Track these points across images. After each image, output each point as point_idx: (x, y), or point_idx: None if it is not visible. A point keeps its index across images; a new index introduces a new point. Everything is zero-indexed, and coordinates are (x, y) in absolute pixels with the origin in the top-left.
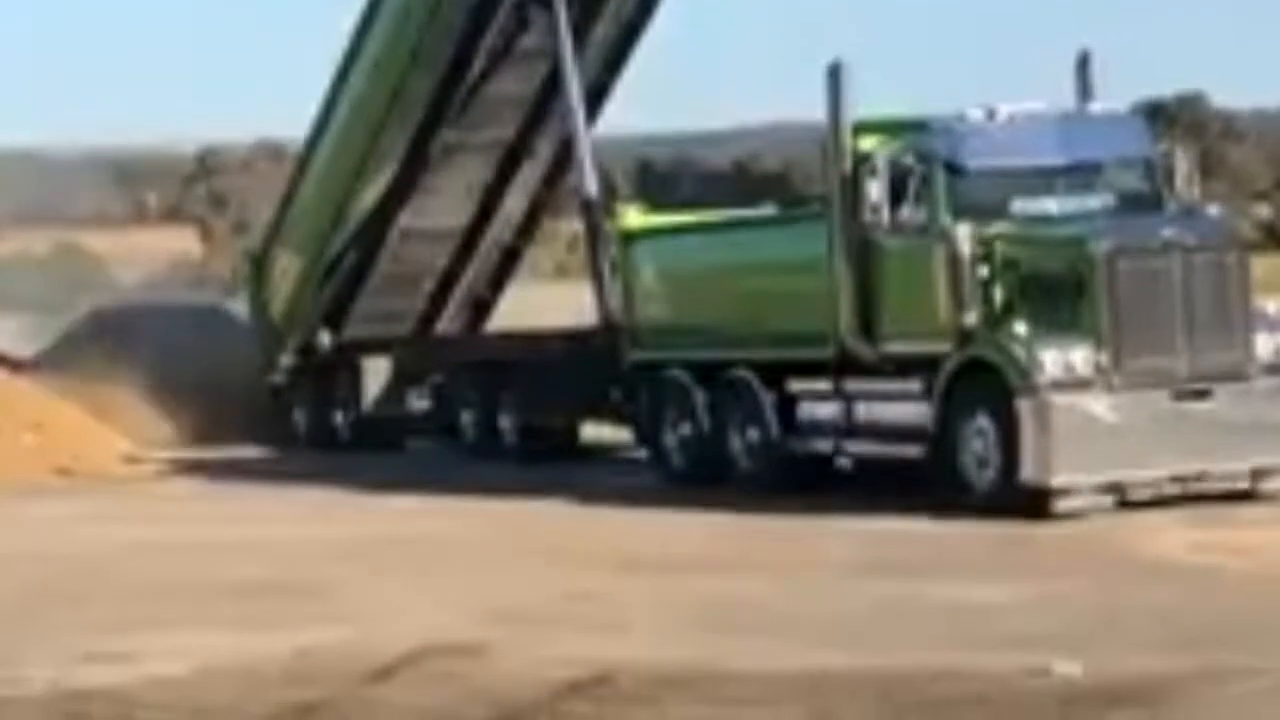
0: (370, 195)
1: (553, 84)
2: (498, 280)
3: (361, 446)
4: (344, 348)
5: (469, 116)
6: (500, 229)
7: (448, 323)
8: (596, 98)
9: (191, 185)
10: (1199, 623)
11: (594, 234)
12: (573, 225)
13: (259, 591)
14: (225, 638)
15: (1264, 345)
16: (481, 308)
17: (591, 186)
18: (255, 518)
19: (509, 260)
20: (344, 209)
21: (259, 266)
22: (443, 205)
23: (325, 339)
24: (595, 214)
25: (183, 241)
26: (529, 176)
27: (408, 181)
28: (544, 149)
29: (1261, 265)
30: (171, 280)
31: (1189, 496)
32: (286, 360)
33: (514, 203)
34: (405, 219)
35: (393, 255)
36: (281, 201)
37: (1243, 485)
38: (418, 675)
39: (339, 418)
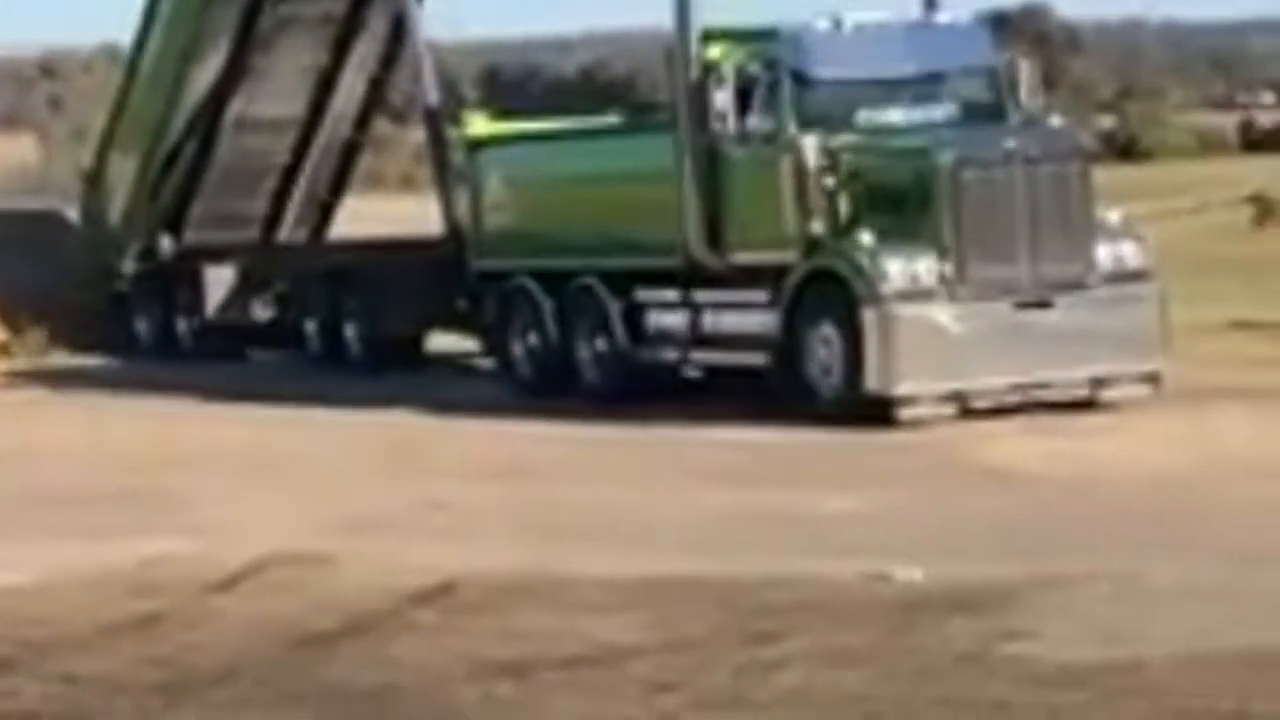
0: (202, 80)
1: None
2: (339, 179)
3: (204, 355)
4: (186, 254)
5: None
6: (338, 120)
7: (291, 228)
8: None
9: (30, 90)
10: (1039, 529)
11: (438, 143)
12: (418, 135)
13: (102, 501)
14: (68, 547)
15: (1105, 255)
16: (325, 212)
17: (433, 95)
18: (97, 426)
19: (349, 156)
20: (176, 98)
21: (96, 171)
22: (278, 89)
23: (166, 244)
24: (438, 122)
25: (20, 148)
26: (364, 55)
27: (239, 63)
28: (377, 24)
29: (1103, 176)
30: (8, 187)
31: (1030, 405)
32: (128, 266)
33: (351, 86)
34: (239, 106)
35: (230, 148)
36: (115, 103)
37: (1083, 394)
38: (263, 584)
39: (181, 326)
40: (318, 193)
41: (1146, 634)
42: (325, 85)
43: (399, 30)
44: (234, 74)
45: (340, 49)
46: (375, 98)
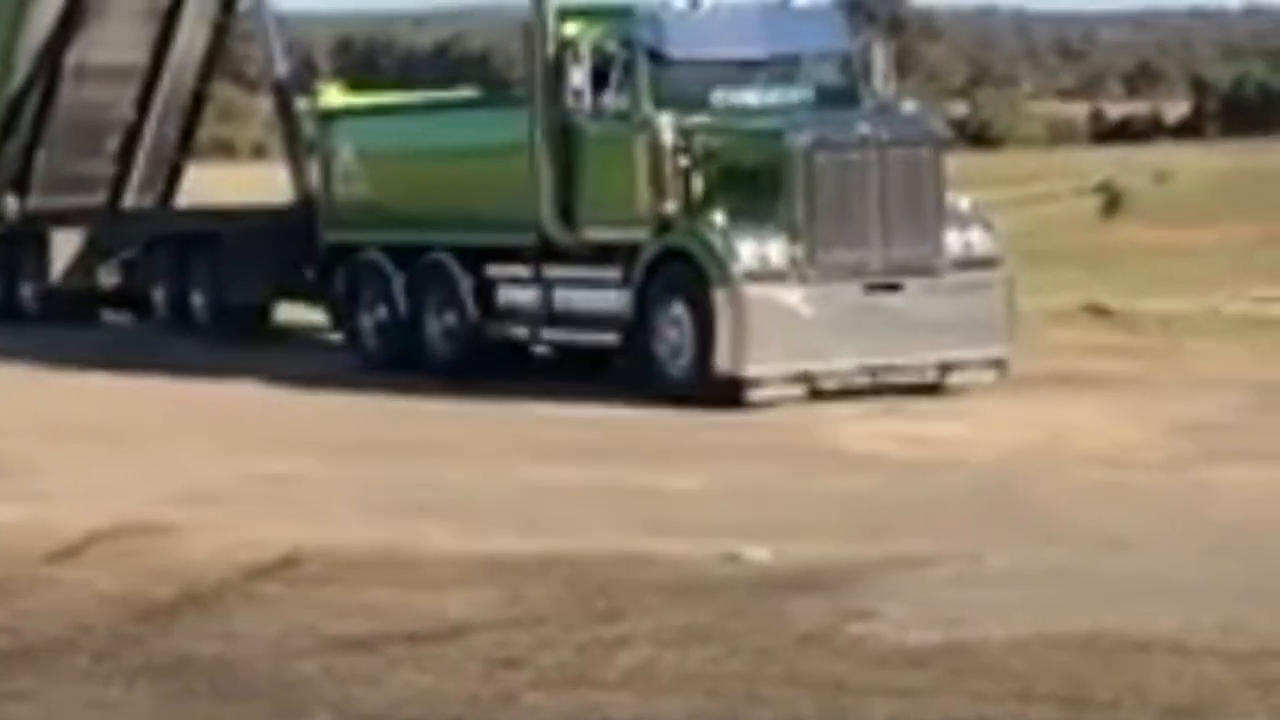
0: (42, 22)
1: None
2: (185, 137)
3: (49, 320)
4: (33, 218)
5: None
6: (180, 71)
7: (138, 191)
8: None
9: None
10: (885, 511)
11: (286, 113)
12: (270, 104)
13: None
14: None
15: (954, 241)
16: (173, 174)
17: (282, 68)
18: None
19: (194, 110)
20: (13, 44)
21: None
22: (117, 35)
23: (12, 205)
24: (287, 93)
25: None
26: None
27: (78, 2)
28: None
29: (955, 163)
30: None
31: (878, 388)
32: None
33: (192, 33)
34: (80, 53)
35: (71, 100)
36: None
37: (930, 378)
38: (103, 554)
39: (26, 291)
40: (164, 152)
41: (989, 616)
42: (165, 32)
43: None
44: (73, 14)
45: None
46: (217, 46)
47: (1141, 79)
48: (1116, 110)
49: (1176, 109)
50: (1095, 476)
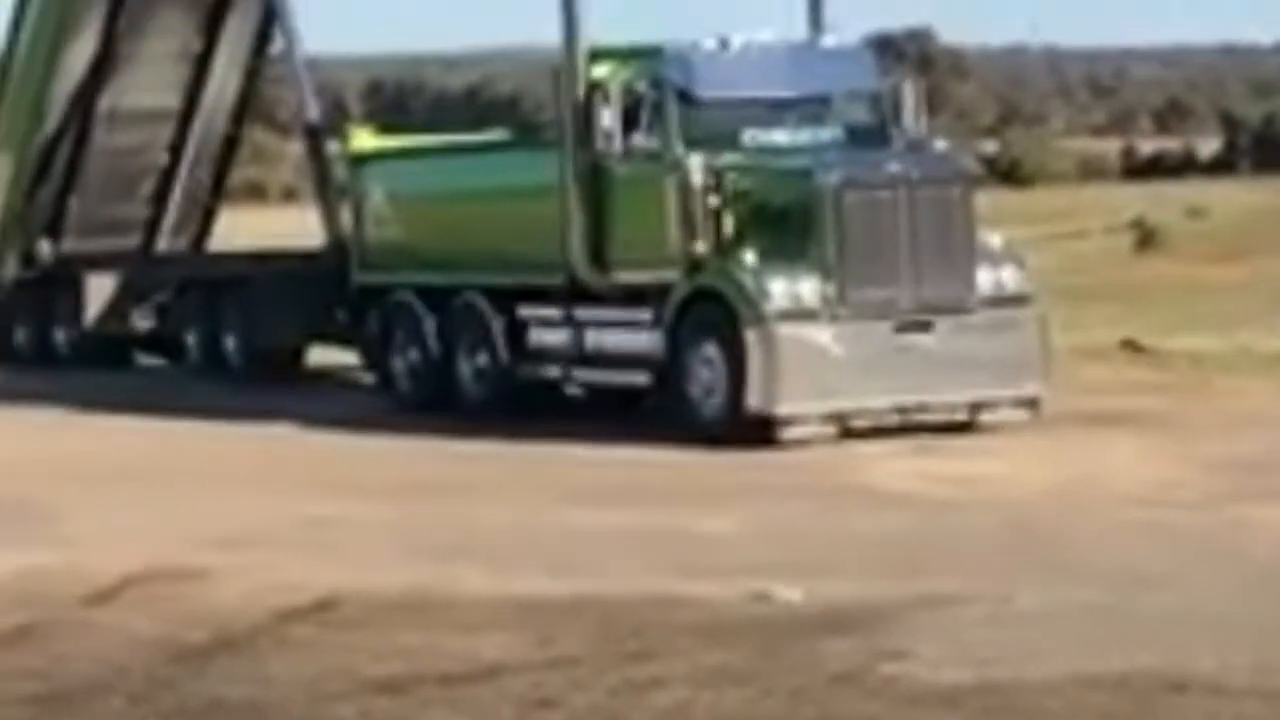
0: (75, 67)
1: None
2: (218, 180)
3: (82, 364)
4: (67, 262)
5: None
6: (213, 114)
7: (171, 234)
8: None
9: None
10: (917, 550)
11: (318, 158)
12: (301, 147)
13: None
14: None
15: (985, 279)
16: (206, 217)
17: (314, 112)
18: None
19: (227, 154)
20: (49, 86)
21: None
22: (150, 78)
23: (46, 249)
24: (318, 137)
25: None
26: (236, 41)
27: (110, 47)
28: (250, 4)
29: (986, 201)
30: None
31: (910, 427)
32: (7, 273)
33: (224, 77)
34: (113, 97)
35: (105, 144)
36: None
37: (961, 417)
38: (138, 598)
39: (60, 334)
40: (197, 195)
41: (1022, 655)
42: (198, 75)
43: (270, 15)
44: (105, 59)
45: (211, 32)
46: (249, 90)
47: (1172, 115)
48: (1148, 146)
49: (1208, 145)
50: (1129, 515)
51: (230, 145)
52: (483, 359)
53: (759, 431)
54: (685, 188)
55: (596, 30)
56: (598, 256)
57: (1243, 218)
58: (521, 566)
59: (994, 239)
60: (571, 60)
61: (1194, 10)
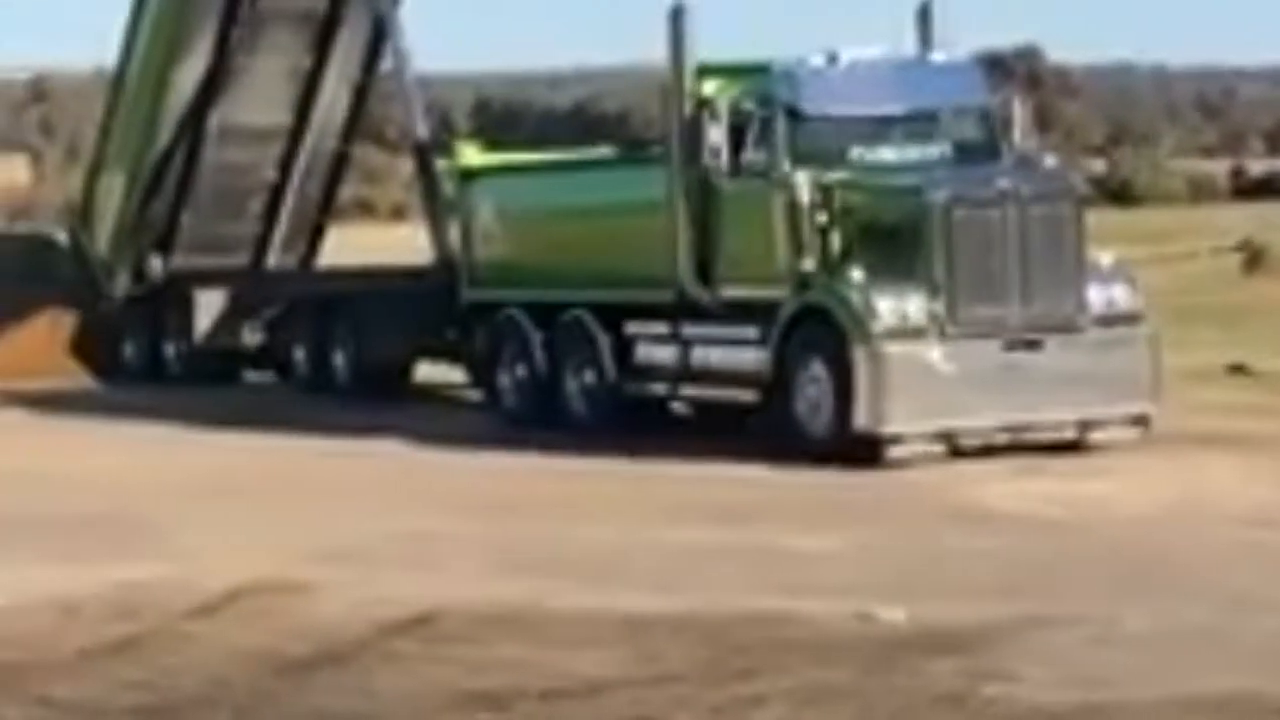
0: (187, 84)
1: None
2: (327, 196)
3: (192, 380)
4: (177, 278)
5: None
6: (323, 131)
7: (281, 250)
8: None
9: (22, 112)
10: (1024, 571)
11: (426, 173)
12: (410, 165)
13: (82, 525)
14: (47, 571)
15: (1096, 297)
16: (315, 234)
17: (422, 129)
18: (81, 451)
19: (336, 171)
20: (161, 102)
21: (87, 190)
22: (261, 95)
23: (157, 265)
24: (427, 154)
25: (10, 170)
26: (346, 58)
27: (222, 64)
28: (358, 22)
29: (1095, 220)
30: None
31: (1018, 446)
32: (119, 289)
33: (334, 93)
34: (224, 113)
35: (215, 160)
36: (103, 120)
37: (1070, 436)
38: (241, 611)
39: (170, 350)
40: (307, 212)
41: (1127, 677)
42: (308, 92)
43: (380, 33)
44: (216, 77)
45: (321, 49)
46: (359, 107)
47: None
48: (1258, 167)
49: None
50: (1236, 536)
51: (340, 162)
52: (589, 376)
53: (865, 450)
54: (793, 204)
55: (705, 48)
56: (705, 273)
57: None
58: (623, 583)
59: (1105, 257)
60: (680, 77)
61: None
